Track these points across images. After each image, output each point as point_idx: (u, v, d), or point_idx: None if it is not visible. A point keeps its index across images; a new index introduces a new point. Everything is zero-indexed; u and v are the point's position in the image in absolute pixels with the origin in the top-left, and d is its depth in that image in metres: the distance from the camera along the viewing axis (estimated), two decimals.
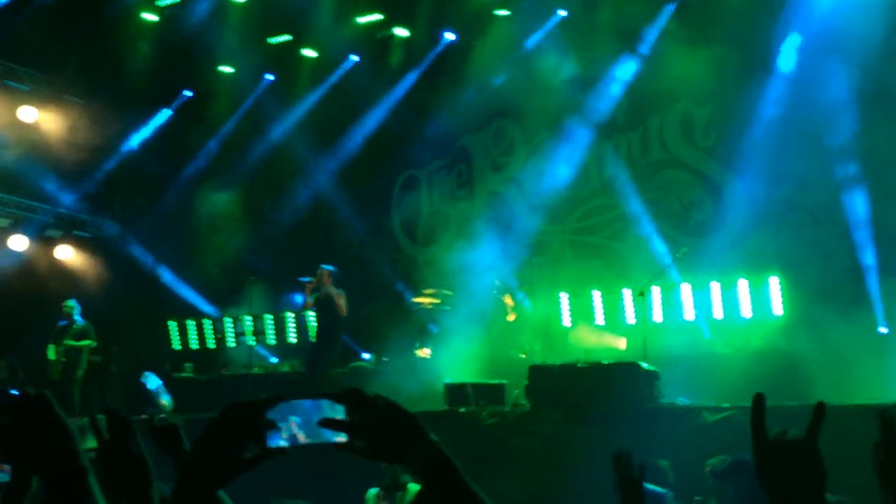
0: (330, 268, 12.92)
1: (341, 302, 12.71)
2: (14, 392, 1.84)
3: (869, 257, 12.25)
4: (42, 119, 17.04)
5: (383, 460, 1.81)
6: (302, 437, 1.87)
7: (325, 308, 12.81)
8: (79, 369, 14.31)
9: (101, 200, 17.68)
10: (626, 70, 14.88)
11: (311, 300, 12.80)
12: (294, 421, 1.87)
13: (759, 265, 12.68)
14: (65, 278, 17.24)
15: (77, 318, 14.52)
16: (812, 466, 1.76)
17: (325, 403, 1.82)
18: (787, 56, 13.62)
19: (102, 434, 2.15)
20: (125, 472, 2.11)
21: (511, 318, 13.04)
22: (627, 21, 14.78)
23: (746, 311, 12.63)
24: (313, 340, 13.16)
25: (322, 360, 12.78)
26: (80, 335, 14.41)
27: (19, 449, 1.80)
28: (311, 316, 15.13)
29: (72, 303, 14.59)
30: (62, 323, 14.49)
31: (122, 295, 17.03)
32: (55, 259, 17.53)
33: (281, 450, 1.80)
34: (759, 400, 1.78)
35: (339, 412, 1.78)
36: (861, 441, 2.13)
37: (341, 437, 1.77)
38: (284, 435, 1.83)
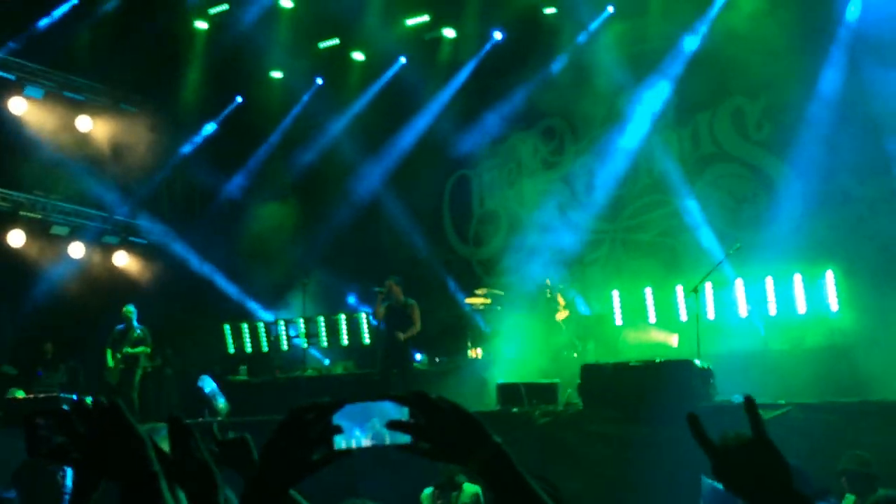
0: (397, 278, 13.03)
1: (416, 313, 12.86)
2: (86, 400, 1.91)
3: None
4: (98, 128, 17.38)
5: (447, 461, 1.86)
6: (370, 439, 1.92)
7: (397, 317, 12.93)
8: (136, 375, 14.59)
9: (156, 207, 17.97)
10: (676, 65, 14.76)
11: (381, 310, 12.88)
12: (374, 423, 1.93)
13: (814, 259, 12.50)
14: (122, 284, 17.53)
15: (135, 323, 14.80)
16: (770, 460, 1.70)
17: (389, 406, 1.87)
18: (844, 43, 13.44)
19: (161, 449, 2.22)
20: (191, 479, 2.16)
21: (561, 316, 13.00)
22: (676, 16, 14.69)
23: (801, 306, 12.47)
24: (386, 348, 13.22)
25: (397, 366, 12.91)
26: (138, 341, 14.68)
27: (96, 456, 1.86)
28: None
29: (131, 308, 14.88)
30: (120, 328, 14.78)
31: (177, 299, 17.32)
32: (112, 265, 17.84)
33: (348, 452, 1.87)
34: (692, 419, 1.77)
35: (403, 415, 1.83)
36: None
37: (405, 439, 1.82)
38: (354, 438, 1.89)
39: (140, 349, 14.67)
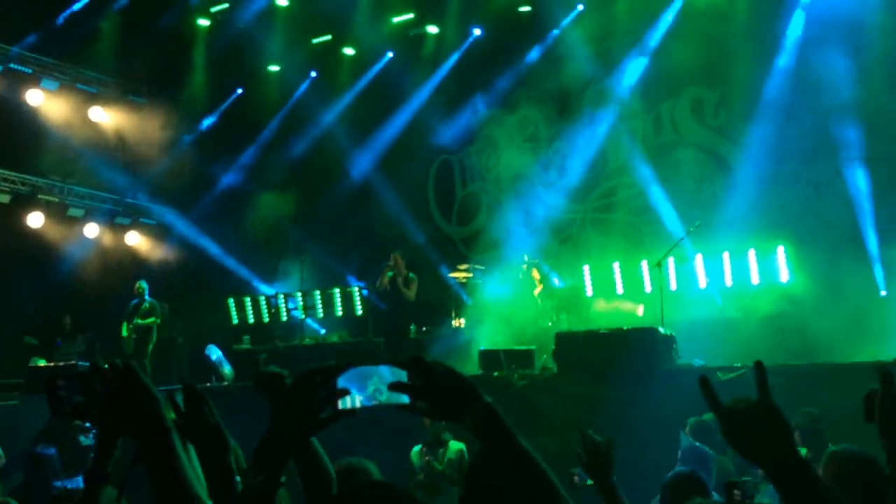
0: (401, 252, 13.04)
1: (414, 286, 12.79)
2: (102, 364, 1.91)
3: (868, 226, 12.13)
4: (109, 118, 17.25)
5: (443, 419, 1.89)
6: (371, 399, 1.92)
7: (400, 289, 12.88)
8: (149, 344, 14.54)
9: (165, 191, 17.85)
10: (639, 59, 14.76)
11: (385, 280, 12.80)
12: (373, 384, 1.92)
13: (767, 235, 12.57)
14: (133, 261, 17.47)
15: (147, 297, 14.74)
16: (773, 423, 1.68)
17: (388, 370, 1.86)
18: (792, 37, 13.46)
19: (180, 407, 2.23)
20: (203, 440, 2.18)
21: (538, 290, 13.03)
22: (641, 12, 14.67)
23: (755, 278, 12.55)
24: (391, 315, 13.23)
25: (403, 335, 12.91)
26: (147, 313, 14.63)
27: (112, 413, 1.88)
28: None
29: (143, 284, 14.82)
30: (134, 302, 14.72)
31: (184, 275, 17.28)
32: (124, 244, 17.76)
33: (352, 411, 1.87)
34: (705, 382, 1.76)
35: (401, 377, 1.82)
36: (859, 396, 2.11)
37: (403, 400, 1.82)
38: (356, 399, 1.89)
39: (150, 320, 14.60)
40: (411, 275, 12.90)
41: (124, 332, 14.54)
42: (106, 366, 1.89)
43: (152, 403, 1.88)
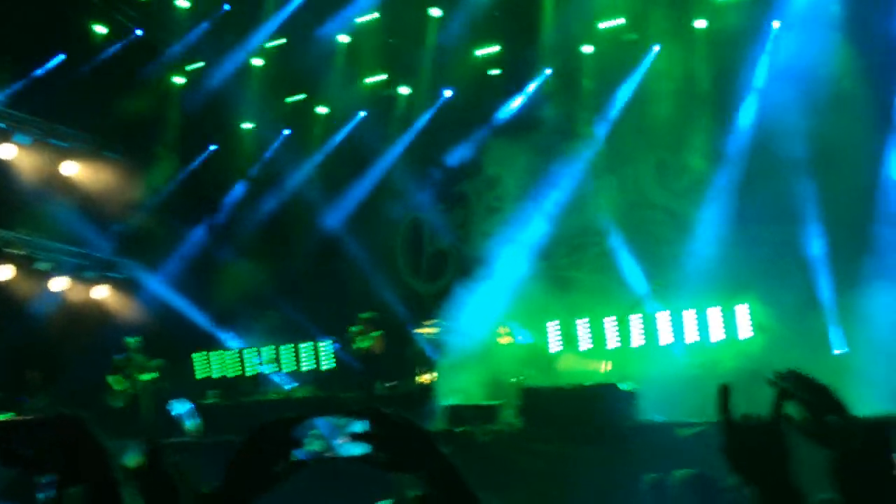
0: (370, 314, 13.51)
1: (381, 344, 13.31)
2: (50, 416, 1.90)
3: (825, 287, 12.35)
4: (81, 173, 17.21)
5: (402, 471, 1.85)
6: (326, 451, 1.89)
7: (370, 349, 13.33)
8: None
9: (134, 245, 17.76)
10: (604, 122, 15.05)
11: (363, 347, 13.01)
12: (321, 435, 1.90)
13: (728, 294, 12.73)
14: (100, 315, 17.29)
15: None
16: (776, 445, 1.74)
17: (346, 421, 1.86)
18: (749, 107, 13.81)
19: (138, 459, 2.21)
20: (155, 491, 2.17)
21: (504, 341, 13.06)
22: (606, 78, 15.01)
23: (716, 335, 12.67)
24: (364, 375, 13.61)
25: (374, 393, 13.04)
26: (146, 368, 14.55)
27: (62, 463, 1.85)
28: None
29: (133, 340, 14.72)
30: (123, 356, 14.52)
31: (152, 330, 17.11)
32: (91, 298, 17.58)
33: (306, 463, 1.85)
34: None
35: (359, 429, 1.82)
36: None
37: (358, 451, 1.82)
38: (311, 449, 1.86)
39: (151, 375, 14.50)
40: (377, 332, 13.01)
41: (118, 385, 14.32)
42: (54, 416, 1.87)
43: (101, 455, 1.86)
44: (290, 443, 1.84)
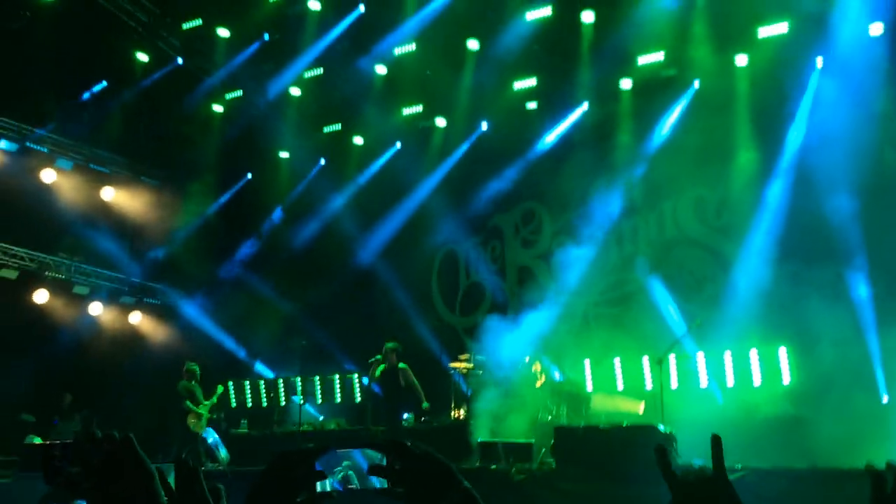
0: (393, 345, 13.21)
1: (410, 376, 13.07)
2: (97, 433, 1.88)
3: (870, 331, 12.12)
4: (120, 198, 17.46)
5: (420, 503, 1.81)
6: (349, 484, 1.88)
7: (393, 380, 13.07)
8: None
9: (171, 271, 17.95)
10: (642, 158, 14.98)
11: (376, 373, 12.94)
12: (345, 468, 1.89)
13: (768, 335, 12.57)
14: (135, 341, 17.45)
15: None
16: (725, 498, 1.65)
17: (367, 453, 1.86)
18: (792, 144, 13.68)
19: (170, 485, 2.18)
20: None
21: (539, 383, 12.98)
22: (644, 112, 14.96)
23: (757, 379, 12.49)
24: (385, 407, 13.49)
25: (397, 424, 13.00)
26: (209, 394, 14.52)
27: (105, 485, 1.82)
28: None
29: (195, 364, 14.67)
30: (188, 383, 14.36)
31: (186, 357, 17.20)
32: (127, 323, 17.76)
33: (329, 494, 1.80)
34: (661, 450, 1.75)
35: (380, 461, 1.78)
36: (866, 499, 2.07)
37: (380, 484, 1.77)
38: (334, 482, 1.85)
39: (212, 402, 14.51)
40: (402, 365, 13.06)
41: (206, 413, 14.24)
42: (101, 436, 1.83)
43: (147, 478, 1.83)
44: (312, 474, 1.79)
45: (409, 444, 1.79)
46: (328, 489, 1.81)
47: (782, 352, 12.35)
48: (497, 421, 12.31)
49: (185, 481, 2.15)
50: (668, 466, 1.70)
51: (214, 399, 14.41)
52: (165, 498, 1.89)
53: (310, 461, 1.80)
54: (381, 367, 13.01)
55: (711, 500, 1.66)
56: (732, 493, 1.66)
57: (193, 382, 14.33)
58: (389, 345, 13.17)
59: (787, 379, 12.25)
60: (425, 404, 13.30)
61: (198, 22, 16.13)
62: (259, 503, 1.79)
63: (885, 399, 11.68)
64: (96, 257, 17.24)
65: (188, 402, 14.10)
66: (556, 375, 13.57)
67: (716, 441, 1.72)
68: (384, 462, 1.78)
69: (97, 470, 1.81)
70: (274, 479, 1.79)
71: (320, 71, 16.41)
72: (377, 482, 1.78)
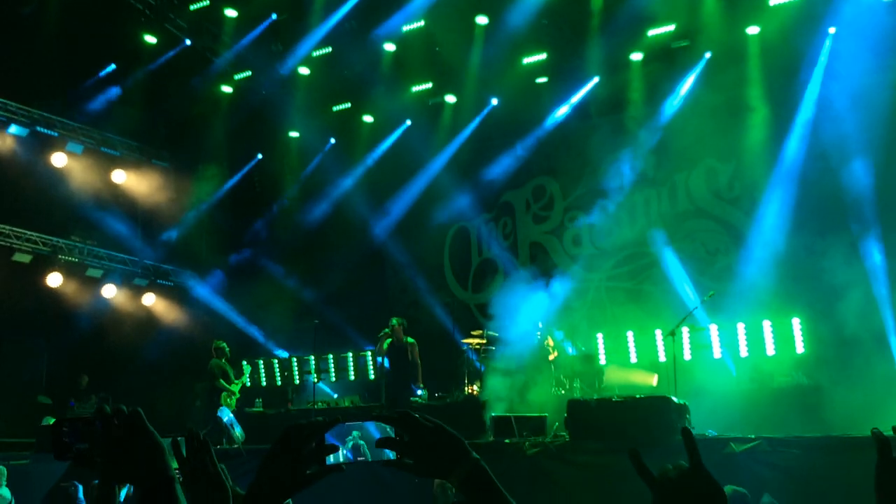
0: (400, 319, 13.44)
1: (415, 351, 13.37)
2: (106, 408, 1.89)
3: (884, 300, 12.07)
4: (131, 181, 17.52)
5: (430, 475, 1.83)
6: (359, 456, 1.90)
7: (399, 354, 13.30)
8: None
9: (183, 253, 18.04)
10: (654, 130, 14.90)
11: (383, 347, 13.18)
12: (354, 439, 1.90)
13: (781, 307, 12.54)
14: (149, 322, 17.56)
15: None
16: (708, 489, 1.64)
17: (377, 425, 1.88)
18: (806, 114, 13.57)
19: (182, 455, 2.21)
20: (203, 489, 2.13)
21: (552, 357, 13.01)
22: (656, 86, 14.88)
23: (770, 349, 12.48)
24: (391, 381, 13.64)
25: (401, 401, 13.01)
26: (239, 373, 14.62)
27: (115, 460, 1.84)
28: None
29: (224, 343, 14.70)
30: (221, 361, 14.39)
31: (200, 338, 17.33)
32: (141, 305, 17.86)
33: (338, 466, 1.84)
34: (634, 455, 1.73)
35: (389, 434, 1.81)
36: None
37: (391, 455, 1.80)
38: (343, 454, 1.87)
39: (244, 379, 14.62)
40: (410, 340, 13.30)
41: (237, 393, 14.34)
42: (110, 411, 1.86)
43: (157, 451, 1.84)
44: (321, 446, 1.83)
45: (418, 416, 1.81)
46: (337, 461, 1.84)
47: (795, 322, 12.33)
48: (510, 396, 12.34)
49: (196, 452, 2.17)
50: (643, 468, 1.69)
51: (245, 378, 14.59)
52: (177, 470, 1.91)
53: (319, 434, 1.83)
54: (388, 340, 13.23)
55: (693, 493, 1.65)
56: (713, 483, 1.66)
57: (224, 360, 14.44)
58: (395, 320, 13.42)
59: (800, 348, 12.23)
60: (423, 391, 13.41)
61: (205, 3, 16.13)
62: (270, 475, 1.81)
63: None
64: (109, 240, 17.33)
65: (221, 381, 14.21)
66: (569, 349, 13.59)
67: (686, 434, 1.72)
68: (393, 434, 1.81)
69: (107, 444, 1.84)
70: (284, 451, 1.82)
71: (329, 50, 16.38)
72: (387, 454, 1.80)
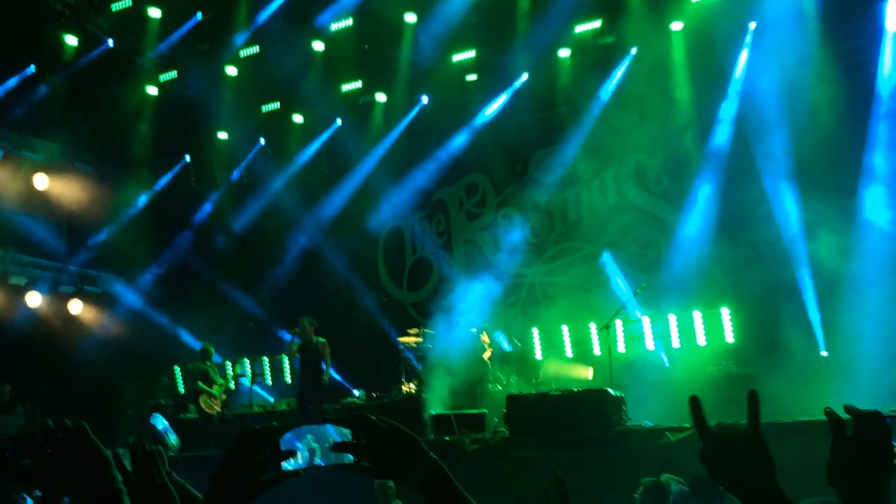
0: (309, 318, 13.19)
1: (326, 351, 13.08)
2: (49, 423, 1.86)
3: (808, 288, 12.45)
4: (55, 186, 17.06)
5: (388, 478, 1.82)
6: (314, 461, 1.88)
7: (309, 355, 13.08)
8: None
9: (110, 258, 17.63)
10: (583, 127, 15.10)
11: (294, 347, 12.98)
12: (309, 445, 1.89)
13: (711, 298, 12.83)
14: (76, 330, 17.13)
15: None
16: (758, 454, 1.68)
17: (332, 429, 1.87)
18: (728, 109, 13.89)
19: (126, 468, 2.15)
20: (151, 501, 2.07)
21: (487, 354, 13.08)
22: (583, 82, 15.06)
23: (701, 339, 12.76)
24: (301, 384, 13.42)
25: (311, 401, 12.85)
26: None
27: (61, 475, 1.82)
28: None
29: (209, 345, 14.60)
30: (207, 363, 14.29)
31: (130, 343, 16.98)
32: (68, 313, 17.42)
33: (295, 472, 1.82)
34: (695, 402, 1.76)
35: (345, 437, 1.81)
36: (811, 452, 2.10)
37: (349, 459, 1.79)
38: (299, 459, 1.85)
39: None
40: (321, 340, 13.07)
41: (219, 394, 14.18)
42: (53, 425, 1.83)
43: (102, 464, 1.83)
44: (277, 452, 1.81)
45: (374, 418, 1.80)
46: (293, 467, 1.83)
47: (725, 312, 12.64)
48: (448, 393, 12.39)
49: (144, 464, 2.13)
50: (701, 418, 1.72)
51: (230, 380, 14.58)
52: (123, 483, 1.88)
53: (274, 439, 1.82)
54: (297, 341, 13.08)
55: (743, 456, 1.69)
56: (767, 452, 1.69)
57: (208, 363, 14.23)
58: (305, 320, 13.18)
59: (730, 338, 12.54)
60: (360, 391, 13.28)
61: (128, 3, 15.75)
62: (224, 483, 1.79)
63: (823, 353, 12.04)
64: (33, 247, 16.85)
65: (200, 383, 14.05)
66: (505, 345, 13.70)
67: (752, 397, 1.73)
68: (350, 437, 1.79)
69: (51, 460, 1.81)
70: (239, 458, 1.79)
71: (256, 49, 16.17)
72: (344, 458, 1.79)
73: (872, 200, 12.24)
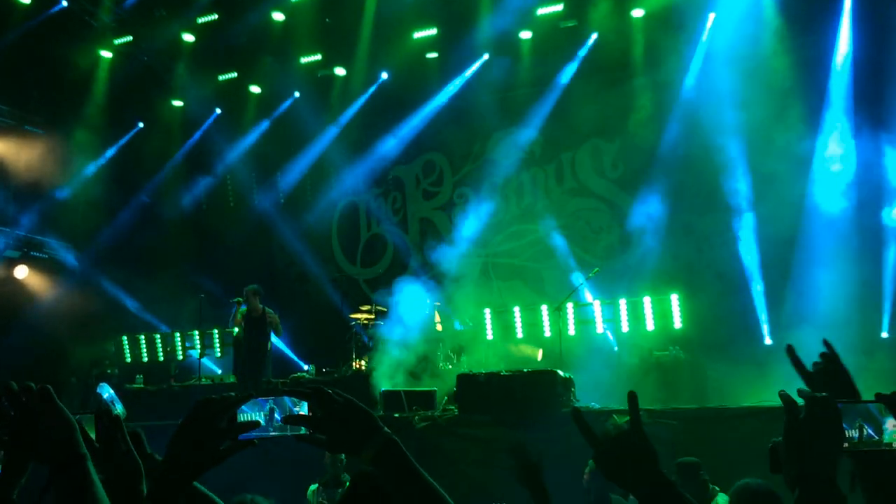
0: (254, 287, 12.75)
1: (275, 320, 12.74)
2: (12, 384, 1.84)
3: (756, 276, 12.68)
4: (3, 148, 16.65)
5: (342, 451, 1.84)
6: (271, 431, 1.89)
7: (254, 325, 12.70)
8: None
9: (59, 224, 17.28)
10: (542, 110, 15.15)
11: (239, 318, 12.69)
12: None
13: (661, 284, 13.00)
14: (22, 296, 16.80)
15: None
16: (643, 450, 1.75)
17: (288, 400, 1.86)
18: (685, 97, 14.02)
19: (89, 435, 2.13)
20: (115, 468, 2.10)
21: (439, 328, 13.11)
22: (544, 65, 15.10)
23: (650, 324, 12.93)
24: (246, 355, 12.86)
25: (258, 374, 12.64)
26: None
27: (24, 437, 1.81)
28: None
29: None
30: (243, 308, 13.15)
31: (77, 311, 16.68)
32: (13, 278, 17.06)
33: (251, 442, 1.83)
34: (633, 397, 1.81)
35: (301, 409, 1.82)
36: (755, 439, 2.16)
37: (304, 431, 1.80)
38: (256, 429, 1.85)
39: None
40: (267, 309, 12.70)
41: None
42: (17, 388, 1.81)
43: (68, 428, 1.82)
44: (237, 423, 1.82)
45: (330, 391, 1.80)
46: (250, 436, 1.83)
47: (674, 298, 12.81)
48: (398, 370, 12.41)
49: (107, 430, 2.11)
50: (586, 427, 1.78)
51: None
52: (86, 448, 1.86)
53: (231, 409, 1.82)
54: (243, 309, 12.66)
55: (632, 453, 1.75)
56: (648, 444, 1.75)
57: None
58: (251, 287, 12.71)
59: (678, 323, 12.73)
60: (310, 367, 13.05)
61: None
62: (181, 451, 1.79)
63: (767, 340, 12.30)
64: None
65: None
66: (457, 324, 13.75)
67: (632, 398, 1.81)
68: (306, 410, 1.81)
69: (14, 422, 1.80)
70: (195, 427, 1.79)
71: (215, 17, 15.90)
72: (299, 429, 1.80)
73: (821, 188, 12.48)
